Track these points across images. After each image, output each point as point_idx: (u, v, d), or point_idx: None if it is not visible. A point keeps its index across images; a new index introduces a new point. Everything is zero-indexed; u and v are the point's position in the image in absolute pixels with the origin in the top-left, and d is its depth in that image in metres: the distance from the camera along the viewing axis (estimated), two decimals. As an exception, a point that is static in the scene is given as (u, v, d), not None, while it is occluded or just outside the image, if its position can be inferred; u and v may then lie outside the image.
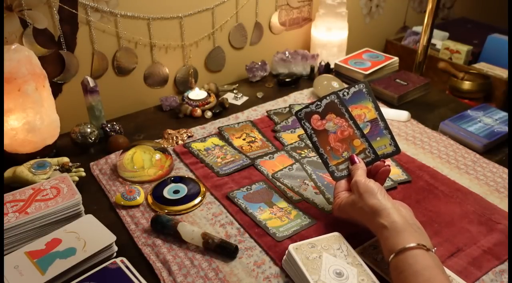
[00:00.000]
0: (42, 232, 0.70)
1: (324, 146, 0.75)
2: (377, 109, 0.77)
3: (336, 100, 0.77)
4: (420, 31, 1.34)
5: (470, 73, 1.44)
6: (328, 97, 0.77)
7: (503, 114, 1.04)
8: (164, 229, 0.72)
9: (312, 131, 0.76)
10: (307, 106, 0.77)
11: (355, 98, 0.77)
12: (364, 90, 0.78)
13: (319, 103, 0.76)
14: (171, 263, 0.68)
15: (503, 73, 1.43)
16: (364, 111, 0.77)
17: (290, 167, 0.89)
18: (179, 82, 1.22)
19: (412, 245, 0.58)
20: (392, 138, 0.76)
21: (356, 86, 0.78)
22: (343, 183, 0.73)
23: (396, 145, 0.76)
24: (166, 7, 1.10)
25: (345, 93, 0.77)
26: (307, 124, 0.76)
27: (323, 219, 0.76)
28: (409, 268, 0.57)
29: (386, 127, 0.77)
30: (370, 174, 0.72)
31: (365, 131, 0.76)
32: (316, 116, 0.76)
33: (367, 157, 0.74)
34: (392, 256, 0.59)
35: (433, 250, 0.60)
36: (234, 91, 1.20)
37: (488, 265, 0.68)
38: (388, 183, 0.84)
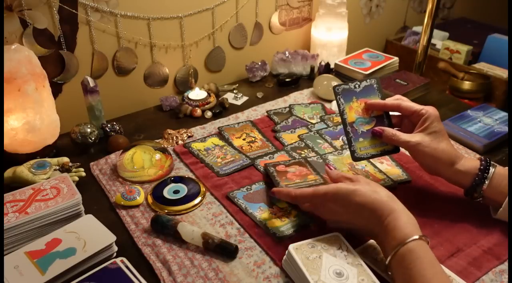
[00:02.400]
0: (42, 232, 0.70)
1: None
2: None
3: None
4: (420, 31, 1.35)
5: (470, 73, 1.44)
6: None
7: (503, 114, 1.04)
8: (164, 229, 0.72)
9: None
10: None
11: (365, 92, 0.79)
12: (375, 85, 0.79)
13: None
14: (171, 263, 0.68)
15: (503, 73, 1.43)
16: None
17: (290, 167, 0.89)
18: (179, 82, 1.22)
19: (421, 236, 0.59)
20: None
21: (368, 80, 0.79)
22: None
23: None
24: (166, 7, 1.11)
25: (357, 86, 0.79)
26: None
27: (323, 219, 0.76)
28: (427, 255, 0.57)
29: (390, 125, 0.78)
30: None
31: (370, 126, 0.78)
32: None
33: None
34: (400, 246, 0.59)
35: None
36: (234, 91, 1.20)
37: (488, 265, 0.68)
38: (388, 183, 0.84)
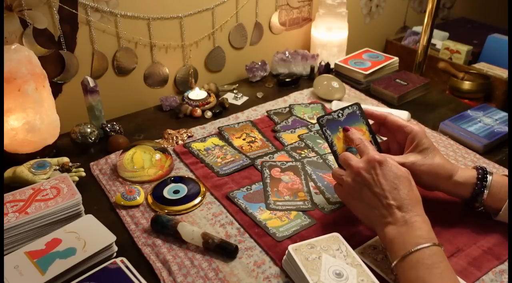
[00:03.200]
0: (42, 232, 0.70)
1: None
2: (371, 132, 0.77)
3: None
4: (420, 31, 1.34)
5: (470, 73, 1.44)
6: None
7: (503, 114, 1.04)
8: (164, 229, 0.72)
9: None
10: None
11: (349, 120, 0.76)
12: (357, 112, 0.77)
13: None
14: (171, 263, 0.68)
15: (503, 73, 1.43)
16: None
17: (290, 167, 0.89)
18: (179, 82, 1.22)
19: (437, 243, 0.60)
20: None
21: (350, 107, 0.77)
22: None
23: None
24: (166, 7, 1.11)
25: (340, 115, 0.76)
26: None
27: (323, 219, 0.76)
28: (445, 260, 0.58)
29: (379, 150, 0.76)
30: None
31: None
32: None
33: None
34: (429, 244, 0.59)
35: None
36: (234, 91, 1.20)
37: (488, 265, 0.68)
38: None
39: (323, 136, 0.74)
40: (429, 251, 0.58)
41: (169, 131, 1.01)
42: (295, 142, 0.97)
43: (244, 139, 0.98)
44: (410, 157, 0.72)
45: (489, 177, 0.71)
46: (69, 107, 1.03)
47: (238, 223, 0.76)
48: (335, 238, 0.67)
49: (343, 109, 0.77)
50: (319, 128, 1.00)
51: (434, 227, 0.74)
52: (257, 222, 0.75)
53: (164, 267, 0.68)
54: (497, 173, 0.73)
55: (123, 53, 1.10)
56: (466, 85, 1.39)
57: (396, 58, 1.28)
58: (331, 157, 0.92)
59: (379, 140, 0.79)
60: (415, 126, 0.74)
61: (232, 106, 1.14)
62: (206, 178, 0.87)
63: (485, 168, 0.73)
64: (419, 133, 0.73)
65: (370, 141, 0.75)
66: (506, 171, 0.89)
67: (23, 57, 0.83)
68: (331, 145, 0.74)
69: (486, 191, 0.71)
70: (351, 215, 0.75)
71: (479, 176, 0.72)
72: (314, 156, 0.92)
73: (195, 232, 0.71)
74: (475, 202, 0.72)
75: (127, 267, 0.65)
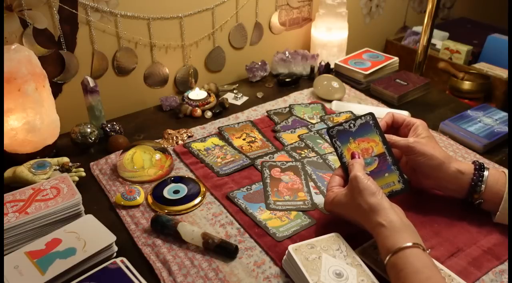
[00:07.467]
0: (42, 232, 0.70)
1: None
2: (385, 142, 0.73)
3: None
4: (420, 31, 1.35)
5: (470, 73, 1.44)
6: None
7: (503, 114, 1.04)
8: (164, 229, 0.72)
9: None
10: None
11: (362, 130, 0.74)
12: (371, 122, 0.74)
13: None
14: (171, 263, 0.68)
15: (503, 73, 1.43)
16: (371, 145, 0.73)
17: (290, 167, 0.89)
18: (179, 82, 1.22)
19: (411, 243, 0.59)
20: (401, 174, 0.73)
21: (363, 117, 0.74)
22: (337, 178, 0.73)
23: (405, 182, 0.73)
24: (166, 7, 1.10)
25: (351, 125, 0.74)
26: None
27: (323, 219, 0.76)
28: (410, 266, 0.57)
29: (395, 162, 0.73)
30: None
31: (373, 167, 0.73)
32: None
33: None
34: (391, 254, 0.60)
35: (428, 251, 0.61)
36: (234, 91, 1.20)
37: (488, 265, 0.68)
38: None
39: (332, 147, 0.73)
40: (394, 260, 0.59)
41: (169, 131, 1.01)
42: (295, 142, 0.97)
43: (244, 139, 0.98)
44: (413, 138, 0.74)
45: (486, 172, 0.73)
46: (69, 107, 1.03)
47: (238, 223, 0.76)
48: (335, 238, 0.67)
49: (355, 119, 0.74)
50: (319, 129, 1.01)
51: (435, 227, 0.75)
52: (257, 222, 0.75)
53: (164, 267, 0.68)
54: (492, 168, 0.74)
55: (123, 53, 1.10)
56: (466, 85, 1.39)
57: (396, 58, 1.28)
58: (331, 157, 0.92)
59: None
60: (418, 120, 0.78)
61: (232, 106, 1.14)
62: (206, 178, 0.87)
63: (482, 162, 0.75)
64: (422, 125, 0.76)
65: (384, 153, 0.73)
66: (506, 171, 0.89)
67: (23, 57, 0.83)
68: (340, 157, 0.73)
69: (484, 181, 0.72)
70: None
71: (476, 166, 0.74)
72: (314, 156, 0.92)
73: (195, 232, 0.71)
74: (474, 194, 0.73)
75: (127, 267, 0.65)
